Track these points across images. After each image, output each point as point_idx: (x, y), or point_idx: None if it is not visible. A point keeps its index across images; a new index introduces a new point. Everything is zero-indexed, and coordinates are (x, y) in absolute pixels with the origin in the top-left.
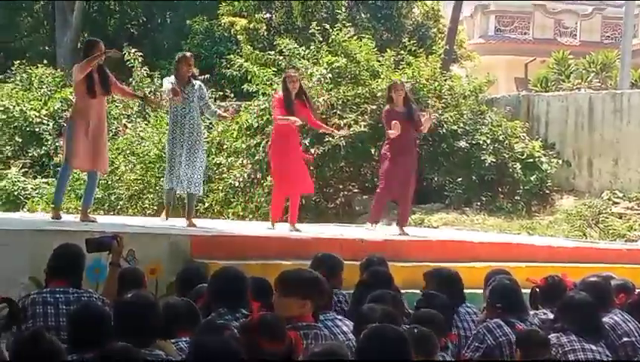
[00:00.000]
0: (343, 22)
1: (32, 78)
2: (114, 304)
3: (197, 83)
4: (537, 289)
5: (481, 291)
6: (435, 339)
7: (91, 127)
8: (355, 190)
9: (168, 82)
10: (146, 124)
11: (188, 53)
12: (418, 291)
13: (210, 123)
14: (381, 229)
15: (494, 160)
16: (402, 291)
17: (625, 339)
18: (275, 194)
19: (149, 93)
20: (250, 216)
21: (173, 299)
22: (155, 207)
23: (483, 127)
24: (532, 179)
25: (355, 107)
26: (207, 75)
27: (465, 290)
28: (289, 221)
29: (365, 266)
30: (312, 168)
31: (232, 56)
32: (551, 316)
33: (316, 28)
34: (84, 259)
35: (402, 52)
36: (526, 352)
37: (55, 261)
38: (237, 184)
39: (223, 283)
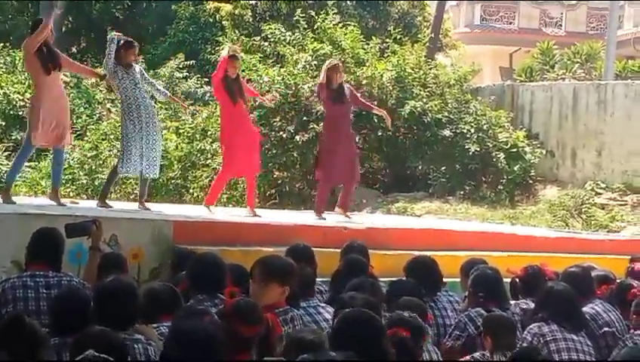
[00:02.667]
0: (331, 8)
1: (16, 62)
2: (94, 288)
3: (137, 67)
4: (517, 280)
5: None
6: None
7: (51, 104)
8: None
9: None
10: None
11: (134, 42)
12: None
13: (195, 109)
14: (361, 217)
15: (478, 149)
16: (384, 279)
17: (605, 329)
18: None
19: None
20: (234, 203)
21: (156, 283)
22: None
23: (467, 116)
24: (515, 168)
25: None
26: (192, 61)
27: (446, 279)
28: (247, 204)
29: (344, 253)
30: (295, 155)
31: (220, 39)
32: (532, 306)
33: (301, 15)
34: (64, 242)
35: (387, 40)
36: (495, 337)
37: (34, 245)
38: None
39: (201, 269)
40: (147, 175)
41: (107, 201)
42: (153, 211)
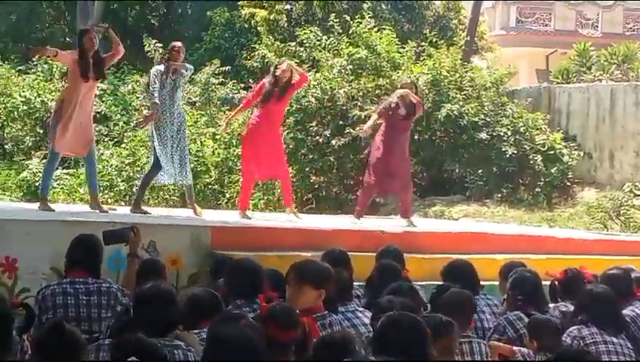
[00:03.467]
0: (366, 12)
1: (53, 70)
2: (133, 294)
3: (186, 72)
4: (556, 283)
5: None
6: (454, 327)
7: (78, 112)
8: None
9: (154, 75)
10: None
11: (179, 44)
12: (436, 283)
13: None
14: (398, 221)
15: (515, 152)
16: (421, 283)
17: None
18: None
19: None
20: (271, 208)
21: (197, 289)
22: (176, 198)
23: (504, 118)
24: (553, 171)
25: (375, 99)
26: (228, 67)
27: (484, 282)
28: (285, 204)
29: (379, 258)
30: (332, 160)
31: (255, 46)
32: (571, 308)
33: (336, 20)
34: (103, 249)
35: (423, 43)
36: (540, 340)
37: (74, 251)
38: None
39: (239, 274)
40: (181, 182)
41: (142, 207)
42: (191, 217)
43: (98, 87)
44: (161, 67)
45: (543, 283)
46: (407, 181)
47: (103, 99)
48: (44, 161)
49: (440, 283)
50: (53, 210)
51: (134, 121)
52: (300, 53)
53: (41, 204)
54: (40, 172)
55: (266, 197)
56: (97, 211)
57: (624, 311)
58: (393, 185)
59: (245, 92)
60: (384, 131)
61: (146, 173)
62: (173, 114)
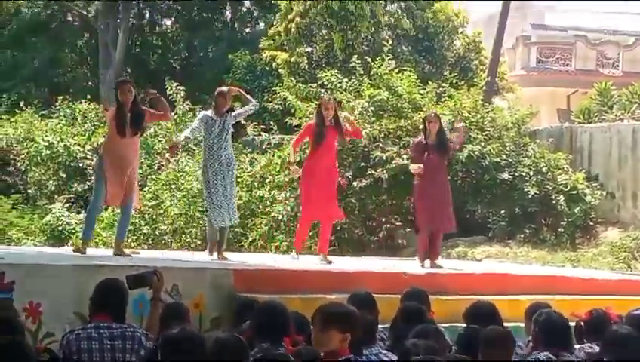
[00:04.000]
0: (386, 54)
1: (76, 114)
2: (161, 338)
3: (232, 114)
4: (582, 323)
5: (524, 324)
6: None
7: (121, 164)
8: (398, 223)
9: (201, 116)
10: (189, 158)
11: (225, 89)
12: (460, 324)
13: (253, 157)
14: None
15: (537, 192)
16: (444, 325)
17: None
18: (301, 219)
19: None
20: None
21: (222, 333)
22: (199, 241)
23: (526, 158)
24: (576, 211)
25: (397, 140)
26: None
27: (508, 324)
28: (318, 250)
29: (404, 299)
30: (354, 201)
31: (277, 88)
32: (596, 349)
33: (357, 61)
34: (127, 293)
35: (444, 84)
36: None
37: (98, 296)
38: (280, 218)
39: (265, 317)
40: (232, 223)
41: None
42: (214, 260)
43: None
44: (209, 112)
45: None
46: (443, 221)
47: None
48: (67, 205)
49: (463, 324)
50: (84, 254)
51: (157, 164)
52: (321, 95)
53: (80, 249)
54: (63, 216)
55: (288, 240)
56: (121, 256)
57: None
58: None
59: (266, 134)
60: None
61: (209, 223)
62: (221, 156)
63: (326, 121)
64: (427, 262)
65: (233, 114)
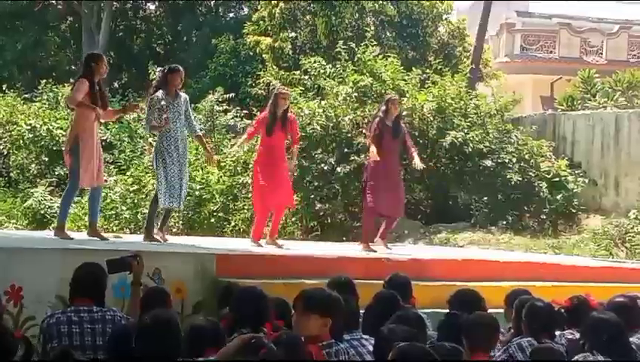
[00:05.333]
0: (370, 40)
1: (59, 97)
2: (137, 323)
3: (183, 95)
4: (562, 310)
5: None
6: (462, 354)
7: (95, 144)
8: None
9: (155, 100)
10: None
11: (180, 68)
12: (441, 310)
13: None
14: (403, 248)
15: (520, 179)
16: (426, 310)
17: None
18: (258, 212)
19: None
20: (276, 235)
21: (199, 319)
22: (181, 225)
23: (509, 145)
24: (558, 198)
25: None
26: (232, 95)
27: (490, 310)
28: (269, 235)
29: (388, 285)
30: (337, 187)
31: (259, 74)
32: (577, 336)
33: (342, 47)
34: (107, 277)
35: (428, 71)
36: None
37: (78, 280)
38: None
39: (245, 303)
40: (180, 206)
41: (155, 236)
42: (196, 244)
43: None
44: (159, 93)
45: None
46: (398, 204)
47: (109, 127)
48: (49, 188)
49: (446, 310)
50: (71, 238)
51: (140, 149)
52: (305, 81)
53: (57, 232)
54: (45, 200)
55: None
56: (98, 239)
57: (631, 339)
58: (385, 209)
59: (250, 120)
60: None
61: (152, 203)
62: (177, 140)
63: (278, 113)
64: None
65: (189, 116)
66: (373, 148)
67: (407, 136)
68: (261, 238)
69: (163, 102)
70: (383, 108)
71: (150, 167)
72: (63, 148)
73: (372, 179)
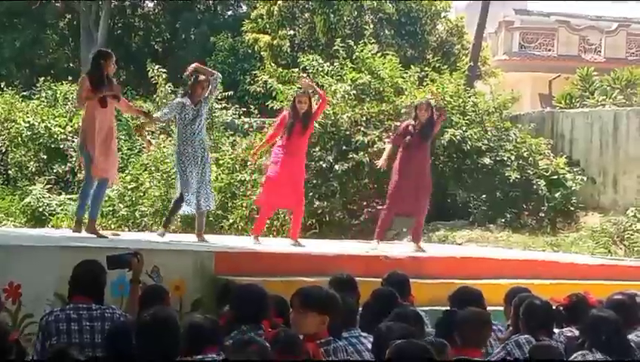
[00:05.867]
0: (368, 38)
1: (57, 95)
2: (136, 320)
3: (206, 106)
4: (561, 308)
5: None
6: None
7: (104, 137)
8: (379, 206)
9: (176, 104)
10: (170, 141)
11: (204, 77)
12: (440, 308)
13: (234, 140)
14: (399, 246)
15: (518, 176)
16: (425, 308)
17: None
18: (263, 206)
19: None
20: (274, 233)
21: (197, 316)
22: (180, 223)
23: (507, 143)
24: (557, 196)
25: (379, 123)
26: (231, 92)
27: (489, 308)
28: (291, 236)
29: (386, 283)
30: (335, 185)
31: (257, 72)
32: (576, 334)
33: (340, 45)
34: (106, 274)
35: (426, 68)
36: None
37: (77, 277)
38: None
39: (245, 300)
40: (207, 208)
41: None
42: (195, 242)
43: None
44: (184, 99)
45: None
46: (420, 204)
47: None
48: (47, 186)
49: (444, 308)
50: (105, 236)
51: (139, 147)
52: (303, 78)
53: (75, 228)
54: (44, 197)
55: (268, 222)
56: (96, 236)
57: (629, 337)
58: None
59: (248, 118)
60: (400, 156)
61: (174, 203)
62: (195, 142)
63: (299, 114)
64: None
65: (205, 95)
66: (385, 153)
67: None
68: (260, 234)
69: (182, 103)
70: (413, 114)
71: (148, 165)
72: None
73: (398, 177)
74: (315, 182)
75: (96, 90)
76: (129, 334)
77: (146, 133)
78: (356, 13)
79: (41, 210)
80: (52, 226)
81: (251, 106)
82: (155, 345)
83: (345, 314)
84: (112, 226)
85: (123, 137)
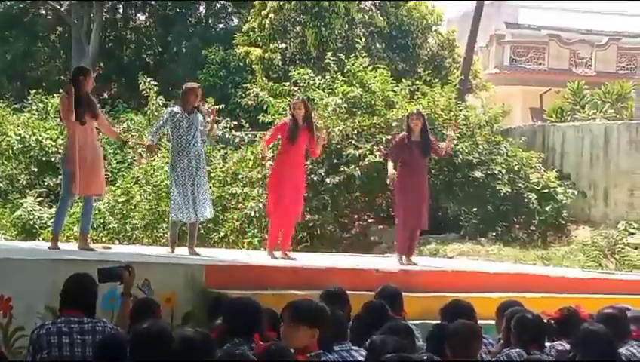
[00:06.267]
0: (359, 52)
1: (48, 108)
2: (130, 333)
3: (200, 115)
4: (552, 322)
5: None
6: None
7: (85, 153)
8: (370, 220)
9: (167, 113)
10: (160, 154)
11: (196, 85)
12: (431, 321)
13: (226, 153)
14: (392, 259)
15: (510, 190)
16: (416, 321)
17: None
18: (273, 219)
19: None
20: (266, 246)
21: (189, 329)
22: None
23: (498, 157)
24: (547, 209)
25: (370, 137)
26: (222, 105)
27: (480, 321)
28: (281, 247)
29: (378, 296)
30: (326, 198)
31: (248, 85)
32: (567, 347)
33: (331, 58)
34: (97, 288)
35: (417, 82)
36: None
37: (68, 290)
38: (252, 214)
39: (238, 313)
40: (202, 218)
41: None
42: (185, 255)
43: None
44: (175, 108)
45: None
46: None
47: (97, 137)
48: (38, 199)
49: (435, 321)
50: (59, 249)
51: (130, 160)
52: (294, 92)
53: (51, 243)
54: (34, 210)
55: (260, 235)
56: (87, 250)
57: (620, 350)
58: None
59: (240, 132)
60: (401, 172)
61: (172, 223)
62: (190, 152)
63: (299, 121)
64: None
65: (197, 103)
66: (389, 167)
67: (435, 146)
68: (275, 248)
69: (174, 111)
70: (405, 126)
71: (139, 178)
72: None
73: (400, 193)
74: (306, 195)
75: (74, 110)
76: (119, 345)
77: (138, 146)
78: (347, 26)
79: (31, 223)
80: (43, 239)
81: (242, 120)
82: (149, 358)
83: (336, 327)
84: (103, 239)
85: (112, 151)
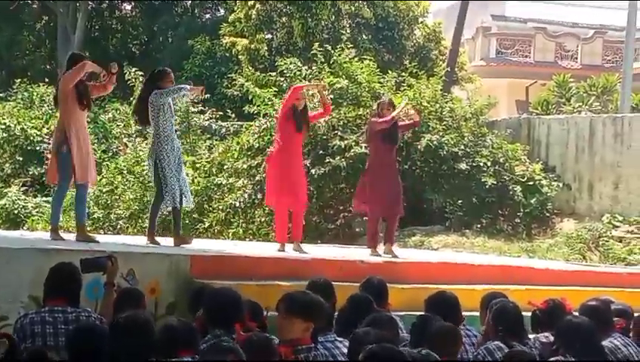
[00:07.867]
0: (346, 43)
1: (34, 97)
2: (110, 324)
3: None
4: (539, 313)
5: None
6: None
7: (82, 140)
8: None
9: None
10: (146, 144)
11: (168, 69)
12: (415, 313)
13: (211, 143)
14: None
15: (495, 182)
16: (400, 313)
17: None
18: (278, 210)
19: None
20: (251, 237)
21: (172, 319)
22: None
23: (484, 149)
24: (532, 201)
25: (355, 128)
26: (207, 96)
27: (464, 313)
28: (293, 239)
29: (363, 288)
30: (312, 189)
31: (234, 75)
32: (552, 339)
33: (318, 49)
34: (81, 277)
35: (403, 74)
36: None
37: (52, 280)
38: (237, 204)
39: (218, 304)
40: (187, 205)
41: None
42: (170, 246)
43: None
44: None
45: (524, 313)
46: (397, 207)
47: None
48: (23, 188)
49: (420, 313)
50: (64, 240)
51: (114, 149)
52: (281, 83)
53: (51, 234)
54: (19, 200)
55: (244, 226)
56: (87, 242)
57: (603, 343)
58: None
59: (226, 122)
60: (371, 162)
61: (154, 204)
62: (174, 140)
63: (298, 110)
64: (381, 249)
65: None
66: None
67: (402, 128)
68: (286, 241)
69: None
70: (375, 112)
71: (124, 168)
72: (50, 150)
73: (372, 184)
74: None
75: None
76: (95, 334)
77: (123, 136)
78: (334, 17)
79: (16, 212)
80: (27, 228)
81: (228, 110)
82: (131, 348)
83: None
84: (88, 229)
85: (100, 140)
